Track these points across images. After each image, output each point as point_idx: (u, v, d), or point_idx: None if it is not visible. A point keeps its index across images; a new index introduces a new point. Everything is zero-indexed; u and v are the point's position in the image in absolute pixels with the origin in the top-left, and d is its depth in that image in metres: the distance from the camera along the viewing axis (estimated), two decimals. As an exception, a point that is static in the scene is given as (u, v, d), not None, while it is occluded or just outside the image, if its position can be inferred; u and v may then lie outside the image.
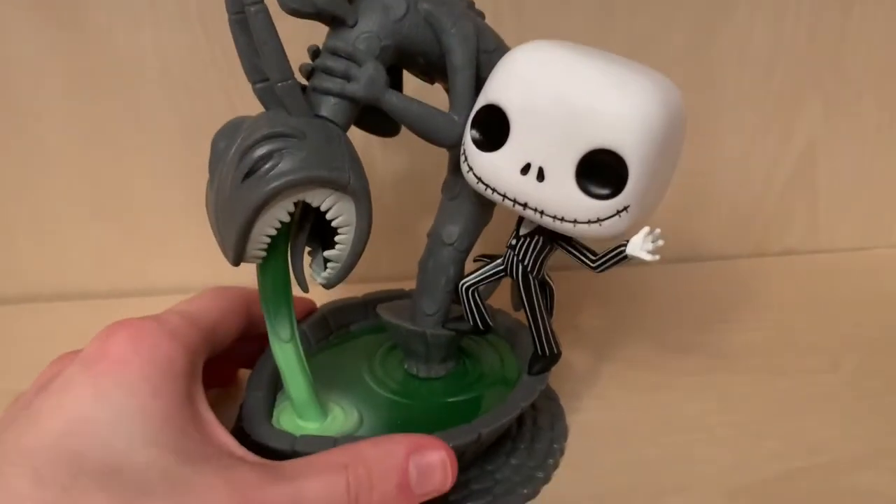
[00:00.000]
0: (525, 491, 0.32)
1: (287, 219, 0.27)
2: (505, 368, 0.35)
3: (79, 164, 0.45)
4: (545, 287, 0.31)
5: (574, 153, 0.26)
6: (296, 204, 0.27)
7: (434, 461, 0.27)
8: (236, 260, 0.27)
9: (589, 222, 0.27)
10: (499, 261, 0.31)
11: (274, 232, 0.27)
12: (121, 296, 0.47)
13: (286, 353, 0.30)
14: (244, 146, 0.26)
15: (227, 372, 0.38)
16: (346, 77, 0.28)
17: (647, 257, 0.27)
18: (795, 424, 0.36)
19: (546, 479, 0.32)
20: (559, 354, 0.32)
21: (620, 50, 0.44)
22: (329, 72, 0.28)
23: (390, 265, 0.48)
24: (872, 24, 0.47)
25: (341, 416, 0.32)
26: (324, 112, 0.28)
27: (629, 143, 0.25)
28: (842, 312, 0.45)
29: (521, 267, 0.30)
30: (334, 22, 0.29)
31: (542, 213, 0.27)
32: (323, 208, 0.27)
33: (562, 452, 0.34)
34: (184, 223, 0.47)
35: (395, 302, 0.37)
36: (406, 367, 0.35)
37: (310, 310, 0.37)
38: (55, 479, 0.22)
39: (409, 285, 0.36)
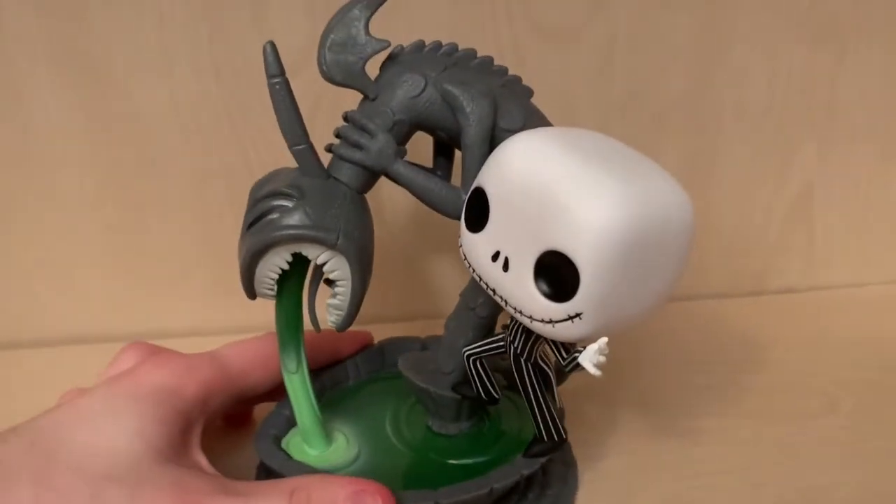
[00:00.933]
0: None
1: (285, 266, 0.30)
2: (522, 431, 0.35)
3: (95, 210, 0.46)
4: (541, 371, 0.31)
5: (534, 250, 0.25)
6: (294, 255, 0.30)
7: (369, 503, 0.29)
8: (249, 294, 0.31)
9: (542, 321, 0.26)
10: (499, 337, 0.31)
11: (275, 276, 0.30)
12: (135, 338, 0.48)
13: (293, 384, 0.34)
14: (255, 198, 0.30)
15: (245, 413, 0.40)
16: (358, 146, 0.30)
17: (591, 370, 0.27)
18: (793, 469, 0.37)
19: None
20: (561, 442, 0.32)
21: (620, 95, 0.47)
22: (346, 139, 0.30)
23: (399, 305, 0.49)
24: (864, 69, 0.49)
25: (343, 447, 0.34)
26: (340, 175, 0.31)
27: (583, 251, 0.24)
28: (839, 351, 0.47)
29: (512, 349, 0.30)
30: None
31: (506, 302, 0.27)
32: (318, 262, 0.30)
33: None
34: (197, 268, 0.48)
35: (425, 353, 0.38)
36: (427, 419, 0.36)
37: (366, 342, 0.40)
38: (42, 450, 0.27)
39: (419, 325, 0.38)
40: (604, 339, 0.26)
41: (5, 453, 0.27)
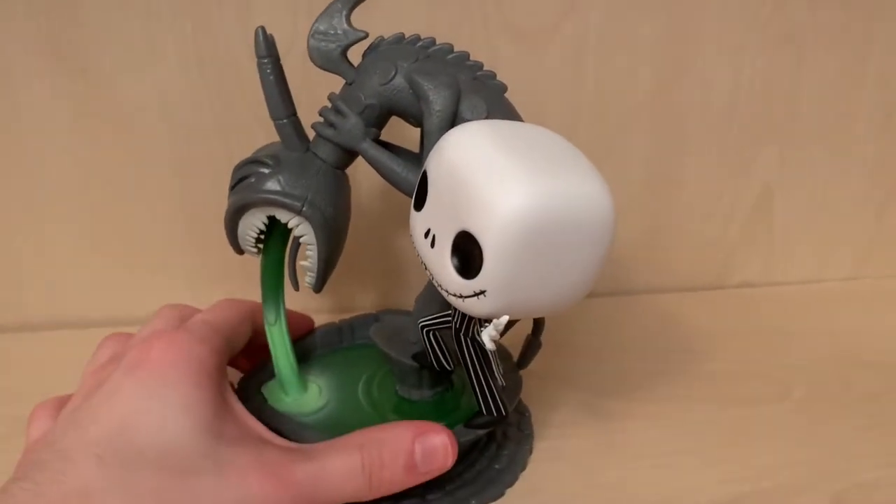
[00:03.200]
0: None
1: (261, 226, 0.34)
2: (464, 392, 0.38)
3: (80, 199, 0.48)
4: (479, 346, 0.32)
5: (452, 229, 0.28)
6: (270, 217, 0.34)
7: (437, 444, 0.31)
8: (235, 249, 0.36)
9: (455, 296, 0.28)
10: (449, 312, 0.33)
11: (254, 234, 0.35)
12: (118, 324, 0.49)
13: (272, 335, 0.37)
14: (238, 164, 0.34)
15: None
16: (332, 125, 0.33)
17: (487, 343, 0.29)
18: (745, 451, 0.38)
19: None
20: (501, 417, 0.33)
21: (590, 95, 0.48)
22: (324, 118, 0.33)
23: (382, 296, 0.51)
24: (821, 74, 0.51)
25: (314, 396, 0.38)
26: (318, 150, 0.34)
27: (487, 234, 0.26)
28: (794, 343, 0.49)
29: (453, 324, 0.32)
30: None
31: (432, 276, 0.29)
32: (290, 226, 0.34)
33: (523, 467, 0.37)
34: (179, 256, 0.49)
35: (402, 323, 0.39)
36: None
37: (308, 328, 0.42)
38: (116, 462, 0.27)
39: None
40: (504, 318, 0.28)
41: (85, 479, 0.26)
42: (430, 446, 0.31)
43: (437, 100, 0.31)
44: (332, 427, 0.35)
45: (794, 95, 0.52)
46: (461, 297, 0.28)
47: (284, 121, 0.33)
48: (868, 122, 0.53)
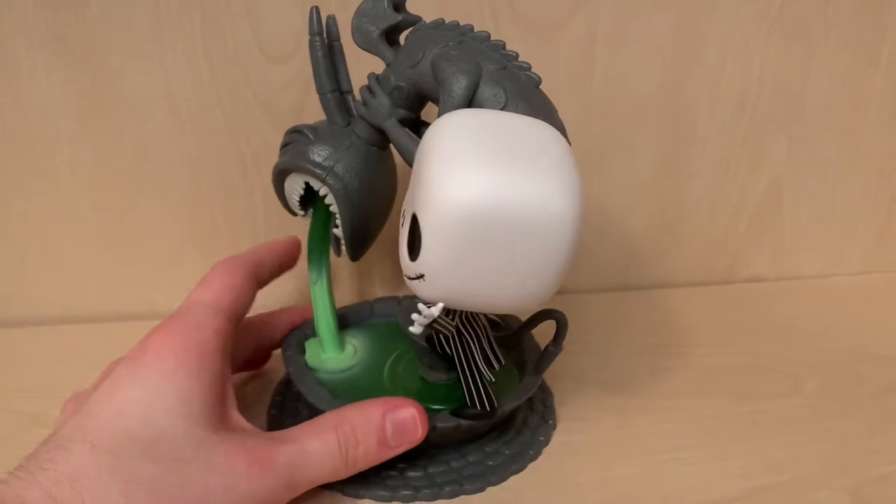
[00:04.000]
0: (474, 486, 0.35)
1: (300, 191, 0.36)
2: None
3: (88, 193, 0.47)
4: (463, 338, 0.33)
5: (411, 211, 0.28)
6: (307, 183, 0.35)
7: (406, 417, 0.32)
8: (287, 209, 0.38)
9: (405, 276, 0.29)
10: None
11: (296, 197, 0.36)
12: (125, 319, 0.49)
13: (314, 293, 0.39)
14: (287, 130, 0.37)
15: (260, 357, 0.42)
16: (364, 102, 0.34)
17: (413, 327, 0.30)
18: (759, 445, 0.38)
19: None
20: (488, 413, 0.34)
21: (600, 88, 0.48)
22: (361, 96, 0.35)
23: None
24: (832, 67, 0.51)
25: (350, 355, 0.40)
26: (355, 126, 0.35)
27: (426, 219, 0.26)
28: (805, 338, 0.48)
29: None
30: None
31: (400, 255, 0.30)
32: (321, 194, 0.35)
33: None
34: (188, 250, 0.49)
35: None
36: None
37: (293, 323, 0.41)
38: (107, 450, 0.27)
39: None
40: (438, 307, 0.28)
41: (75, 461, 0.27)
42: (400, 420, 0.32)
43: (453, 85, 0.31)
44: (346, 390, 0.37)
45: (804, 89, 0.51)
46: (408, 277, 0.29)
47: (328, 95, 0.35)
48: (879, 116, 0.53)
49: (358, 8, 0.34)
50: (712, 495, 0.35)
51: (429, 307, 0.30)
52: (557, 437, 0.39)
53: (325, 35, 0.35)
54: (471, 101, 0.31)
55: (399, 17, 0.34)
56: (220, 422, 0.31)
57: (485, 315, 0.36)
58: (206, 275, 0.36)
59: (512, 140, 0.27)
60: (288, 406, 0.40)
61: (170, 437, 0.28)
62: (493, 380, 0.35)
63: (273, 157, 0.46)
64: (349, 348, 0.40)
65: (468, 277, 0.27)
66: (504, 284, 0.27)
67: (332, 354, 0.39)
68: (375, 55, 0.35)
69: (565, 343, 0.47)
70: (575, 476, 0.36)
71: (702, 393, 0.43)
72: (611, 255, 0.54)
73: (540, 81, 0.33)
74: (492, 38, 0.33)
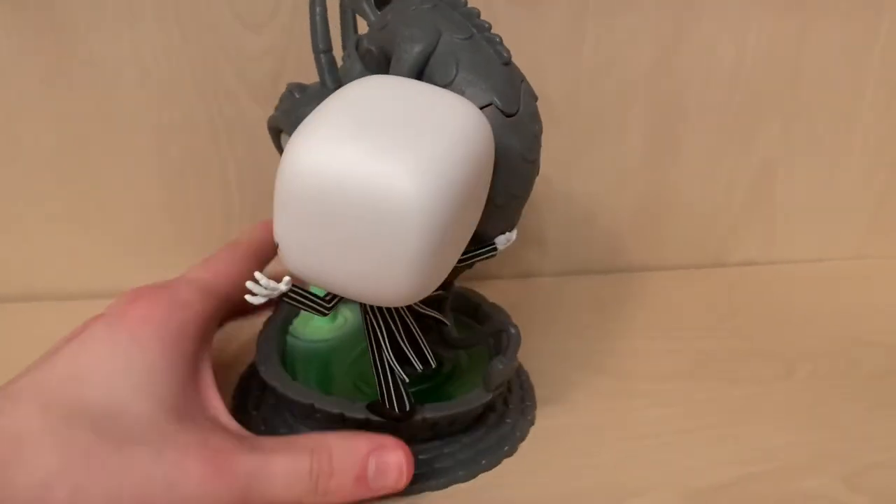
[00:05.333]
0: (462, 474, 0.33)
1: None
2: (465, 371, 0.37)
3: (53, 164, 0.45)
4: (371, 327, 0.30)
5: None
6: None
7: (391, 462, 0.30)
8: None
9: None
10: None
11: None
12: (92, 297, 0.47)
13: None
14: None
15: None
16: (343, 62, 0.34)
17: (250, 297, 0.26)
18: (750, 430, 0.37)
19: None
20: (402, 415, 0.31)
21: (589, 64, 0.47)
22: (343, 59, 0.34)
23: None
24: (826, 46, 0.49)
25: (339, 325, 0.39)
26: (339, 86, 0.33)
27: (276, 186, 0.24)
28: (796, 322, 0.47)
29: None
30: None
31: None
32: None
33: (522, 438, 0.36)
34: (157, 224, 0.47)
35: None
36: None
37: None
38: (59, 414, 0.26)
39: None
40: (284, 281, 0.26)
41: (22, 422, 0.25)
42: (385, 463, 0.30)
43: (403, 52, 0.29)
44: (307, 362, 0.36)
45: (797, 68, 0.50)
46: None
47: (320, 56, 0.33)
48: (874, 97, 0.52)
49: None
50: (703, 481, 0.34)
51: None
52: (544, 422, 0.37)
53: None
54: (422, 70, 0.29)
55: None
56: (189, 409, 0.29)
57: (413, 311, 0.32)
58: (208, 256, 0.35)
59: (397, 115, 0.25)
60: (253, 392, 0.37)
61: (126, 414, 0.27)
62: (406, 379, 0.31)
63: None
64: (339, 319, 0.39)
65: (314, 254, 0.25)
66: (356, 269, 0.25)
67: (321, 323, 0.38)
68: (359, 14, 0.33)
69: (553, 324, 0.46)
70: (559, 462, 0.35)
71: (692, 377, 0.41)
72: (599, 236, 0.53)
73: (508, 58, 0.30)
74: (468, 6, 0.30)
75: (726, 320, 0.47)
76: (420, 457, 0.33)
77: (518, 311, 0.39)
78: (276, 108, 0.35)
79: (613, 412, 0.38)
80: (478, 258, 0.32)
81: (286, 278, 0.26)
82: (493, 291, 0.42)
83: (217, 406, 0.31)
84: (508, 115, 0.29)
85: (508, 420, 0.36)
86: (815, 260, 0.56)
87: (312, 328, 0.39)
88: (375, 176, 0.23)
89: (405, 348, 0.31)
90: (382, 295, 0.26)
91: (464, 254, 0.30)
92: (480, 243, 0.31)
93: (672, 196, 0.52)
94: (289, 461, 0.29)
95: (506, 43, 0.31)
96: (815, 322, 0.47)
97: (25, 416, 0.25)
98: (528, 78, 0.32)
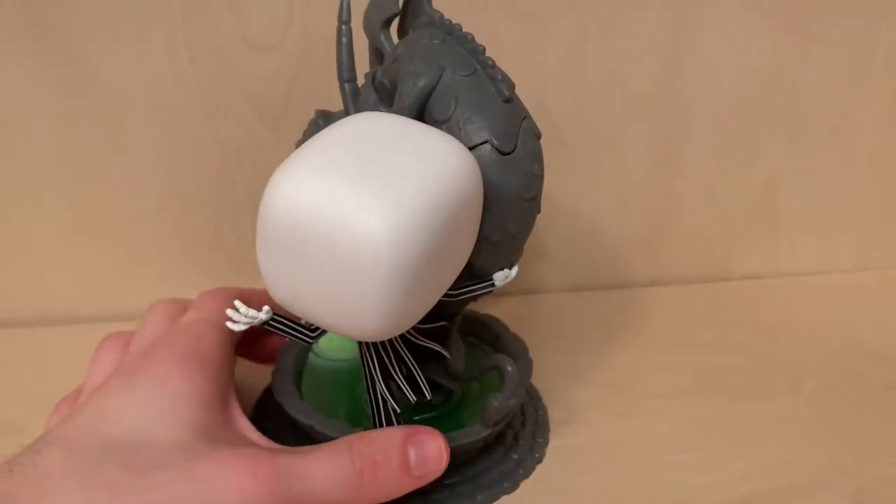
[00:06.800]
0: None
1: None
2: (477, 399, 0.37)
3: (62, 189, 0.46)
4: (369, 352, 0.31)
5: None
6: None
7: (430, 446, 0.30)
8: None
9: None
10: None
11: None
12: (101, 321, 0.47)
13: None
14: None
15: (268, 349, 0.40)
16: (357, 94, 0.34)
17: (230, 324, 0.27)
18: (759, 446, 0.37)
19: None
20: None
21: (593, 81, 0.47)
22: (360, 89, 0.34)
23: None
24: (829, 61, 0.50)
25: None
26: None
27: (259, 216, 0.25)
28: (802, 336, 0.47)
29: None
30: None
31: None
32: None
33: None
34: (167, 248, 0.48)
35: None
36: None
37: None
38: (83, 456, 0.26)
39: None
40: (264, 310, 0.27)
41: (45, 464, 0.25)
42: (424, 447, 0.30)
43: (405, 86, 0.30)
44: (323, 380, 0.37)
45: (799, 83, 0.50)
46: None
47: (344, 84, 0.33)
48: (874, 111, 0.52)
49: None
50: (715, 499, 0.34)
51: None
52: (555, 441, 0.37)
53: (350, 24, 0.33)
54: (424, 105, 0.30)
55: (396, 8, 0.32)
56: (217, 430, 0.29)
57: (410, 342, 0.33)
58: (193, 301, 0.35)
59: (378, 153, 0.25)
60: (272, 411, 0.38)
61: (152, 444, 0.27)
62: (399, 410, 0.32)
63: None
64: None
65: (290, 284, 0.26)
66: (329, 302, 0.25)
67: (343, 342, 0.39)
68: (377, 46, 0.33)
69: (557, 341, 0.46)
70: (572, 482, 0.35)
71: (698, 393, 0.42)
72: (604, 252, 0.53)
73: (509, 95, 0.30)
74: (474, 41, 0.30)
75: (731, 335, 0.48)
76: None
77: (524, 327, 0.40)
78: (303, 135, 0.36)
79: (620, 430, 0.38)
80: (475, 293, 0.32)
81: (266, 308, 0.27)
82: (499, 308, 0.42)
83: (245, 425, 0.31)
84: (504, 153, 0.29)
85: (515, 456, 0.36)
86: (818, 272, 0.56)
87: (336, 347, 0.39)
88: (344, 212, 0.23)
89: (398, 379, 0.31)
90: (355, 329, 0.26)
91: (459, 288, 0.31)
92: (478, 278, 0.32)
93: (676, 211, 0.53)
94: (329, 458, 0.28)
95: (509, 61, 0.31)
96: (819, 335, 0.47)
97: (51, 463, 0.26)
98: (533, 95, 0.33)
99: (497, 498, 0.34)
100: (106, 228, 0.47)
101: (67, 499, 0.25)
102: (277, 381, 0.35)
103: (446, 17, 0.31)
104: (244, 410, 0.32)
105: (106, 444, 0.26)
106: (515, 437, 0.37)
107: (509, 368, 0.32)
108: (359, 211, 0.23)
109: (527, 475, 0.35)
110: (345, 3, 0.32)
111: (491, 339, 0.40)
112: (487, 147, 0.29)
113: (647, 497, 0.34)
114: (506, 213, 0.30)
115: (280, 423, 0.35)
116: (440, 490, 0.33)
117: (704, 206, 0.53)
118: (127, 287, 0.48)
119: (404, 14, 0.33)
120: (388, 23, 0.32)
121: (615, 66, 0.48)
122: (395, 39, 0.34)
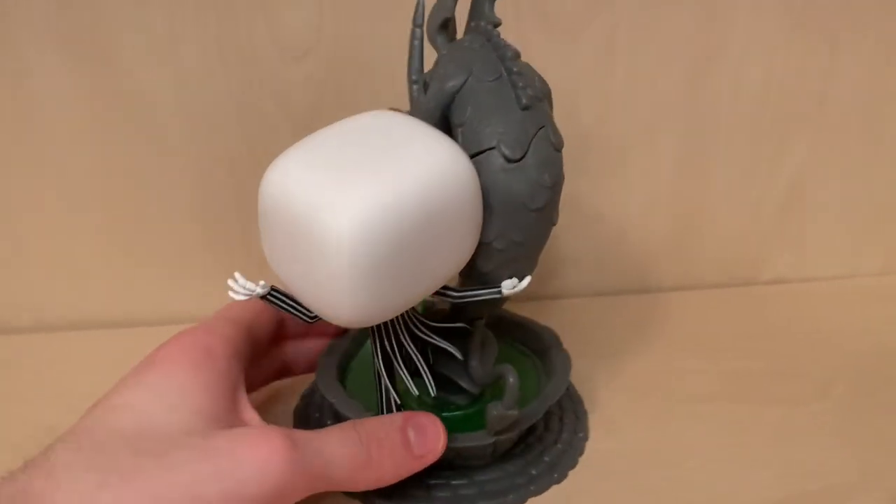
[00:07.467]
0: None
1: None
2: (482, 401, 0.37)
3: (98, 195, 0.47)
4: (378, 346, 0.32)
5: None
6: None
7: (427, 424, 0.32)
8: None
9: None
10: None
11: None
12: (137, 325, 0.48)
13: None
14: None
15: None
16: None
17: (230, 292, 0.29)
18: (789, 451, 0.37)
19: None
20: None
21: (620, 86, 0.47)
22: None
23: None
24: (856, 64, 0.49)
25: None
26: None
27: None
28: (830, 340, 0.47)
29: None
30: None
31: None
32: None
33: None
34: (201, 252, 0.48)
35: None
36: None
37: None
38: (93, 447, 0.27)
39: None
40: (260, 284, 0.29)
41: (56, 458, 0.26)
42: (422, 427, 0.32)
43: (433, 86, 0.31)
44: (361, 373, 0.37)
45: (826, 87, 0.50)
46: None
47: (412, 85, 0.33)
48: (901, 115, 0.52)
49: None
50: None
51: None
52: (591, 445, 0.38)
53: (423, 27, 0.33)
54: (448, 105, 0.30)
55: (447, 14, 0.32)
56: (226, 417, 0.29)
57: (419, 340, 0.34)
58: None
59: (368, 150, 0.28)
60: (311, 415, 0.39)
61: (163, 429, 0.27)
62: (400, 403, 0.34)
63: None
64: None
65: (282, 263, 0.28)
66: (310, 282, 0.28)
67: None
68: (434, 48, 0.33)
69: (587, 347, 0.46)
70: (604, 486, 0.35)
71: (728, 398, 0.42)
72: (632, 256, 0.53)
73: (528, 103, 0.30)
74: (507, 46, 0.31)
75: (759, 339, 0.48)
76: (429, 481, 0.34)
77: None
78: None
79: (652, 435, 0.39)
80: (479, 297, 0.32)
81: (262, 282, 0.29)
82: (528, 313, 0.42)
83: (252, 416, 0.31)
84: (511, 161, 0.29)
85: (534, 472, 0.35)
86: (845, 276, 0.56)
87: None
88: (317, 200, 0.26)
89: (403, 373, 0.33)
90: (331, 311, 0.28)
91: (464, 291, 0.32)
92: (485, 284, 0.32)
93: (703, 215, 0.53)
94: (339, 436, 0.30)
95: (539, 69, 0.32)
96: (847, 339, 0.47)
97: (62, 457, 0.26)
98: (561, 101, 0.33)
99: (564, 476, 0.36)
100: (138, 236, 0.48)
101: (81, 487, 0.25)
102: (323, 370, 0.36)
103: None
104: (283, 423, 0.32)
105: (115, 434, 0.27)
106: (541, 455, 0.37)
107: (511, 379, 0.32)
108: (332, 202, 0.26)
109: (538, 493, 0.35)
110: (420, 8, 0.33)
111: (540, 350, 0.40)
112: (494, 153, 0.29)
113: (678, 502, 0.34)
114: (508, 220, 0.30)
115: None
116: (442, 489, 0.34)
117: (732, 211, 0.53)
118: (161, 292, 0.49)
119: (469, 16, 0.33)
120: (443, 26, 0.32)
121: (642, 70, 0.48)
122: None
